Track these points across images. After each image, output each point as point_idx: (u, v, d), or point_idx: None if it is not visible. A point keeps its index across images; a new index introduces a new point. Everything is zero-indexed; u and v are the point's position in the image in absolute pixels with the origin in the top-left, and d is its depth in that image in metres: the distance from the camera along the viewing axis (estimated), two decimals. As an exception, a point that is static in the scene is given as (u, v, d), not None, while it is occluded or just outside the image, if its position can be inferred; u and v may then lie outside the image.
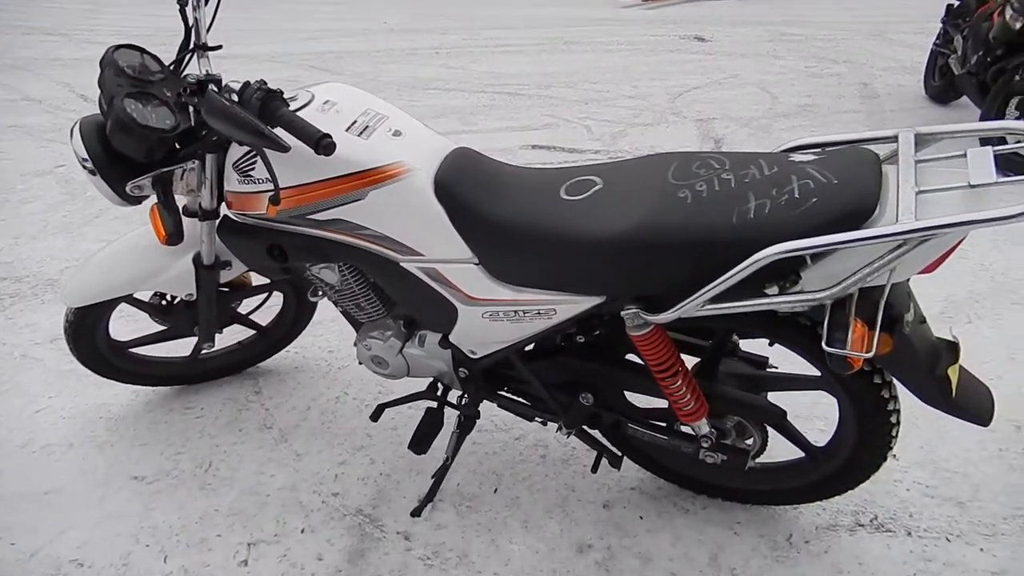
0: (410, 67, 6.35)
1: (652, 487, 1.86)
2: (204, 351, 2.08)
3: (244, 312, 2.17)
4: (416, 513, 1.78)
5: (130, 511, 1.83)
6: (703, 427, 1.52)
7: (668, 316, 1.32)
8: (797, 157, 1.33)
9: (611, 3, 9.87)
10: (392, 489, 1.88)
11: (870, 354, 1.17)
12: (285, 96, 1.50)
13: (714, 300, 1.27)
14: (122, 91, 1.46)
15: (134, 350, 2.12)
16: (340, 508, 1.82)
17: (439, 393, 1.81)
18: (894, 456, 1.91)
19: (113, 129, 1.46)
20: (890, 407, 1.44)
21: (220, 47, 1.63)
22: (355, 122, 1.48)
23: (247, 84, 1.38)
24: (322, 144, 1.28)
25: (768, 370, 1.64)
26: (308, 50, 6.97)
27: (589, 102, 5.21)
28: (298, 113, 1.46)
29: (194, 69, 1.60)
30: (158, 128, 1.47)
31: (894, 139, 1.31)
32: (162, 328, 2.05)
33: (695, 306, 1.27)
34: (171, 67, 1.62)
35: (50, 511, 1.84)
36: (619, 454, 1.72)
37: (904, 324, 1.26)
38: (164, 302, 2.00)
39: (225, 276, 1.90)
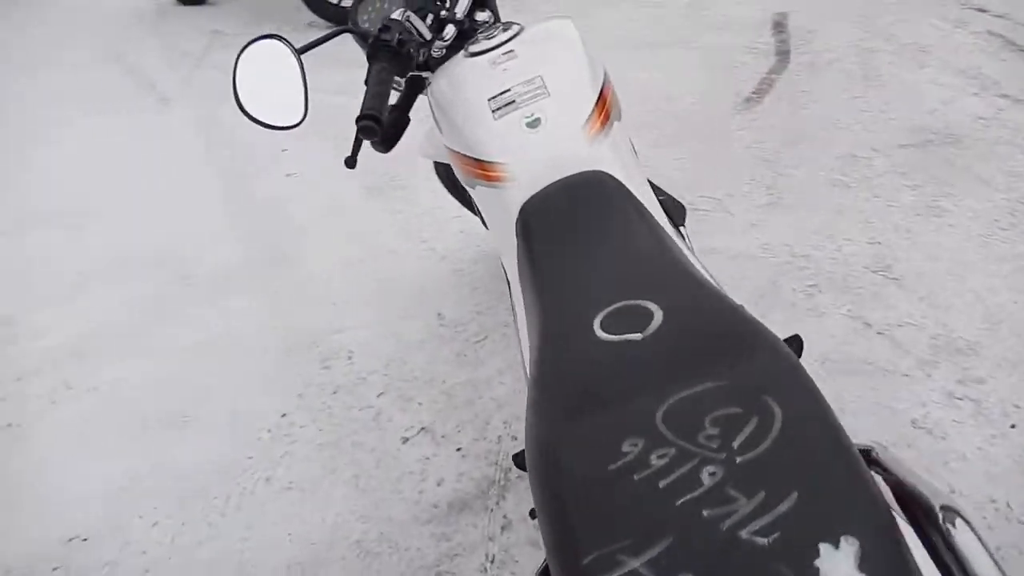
0: None
1: None
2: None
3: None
4: None
5: (392, 349, 2.08)
6: None
7: None
8: None
9: None
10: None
11: None
12: (494, 23, 1.36)
13: None
14: None
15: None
16: (502, 453, 1.75)
17: None
18: None
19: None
20: None
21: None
22: (507, 91, 1.19)
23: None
24: (358, 123, 1.09)
25: None
26: None
27: None
28: (480, 56, 1.28)
29: None
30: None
31: None
32: None
33: None
34: None
35: (360, 309, 2.24)
36: None
37: None
38: None
39: None
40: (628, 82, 3.22)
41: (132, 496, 1.79)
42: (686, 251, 1.15)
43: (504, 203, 1.14)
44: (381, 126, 1.14)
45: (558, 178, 1.11)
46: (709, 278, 1.11)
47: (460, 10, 1.35)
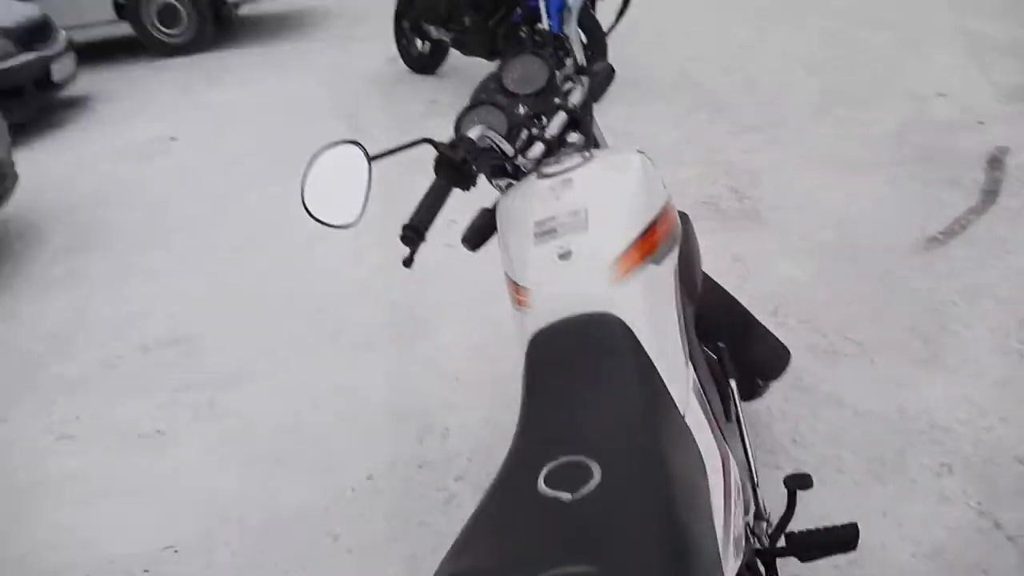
0: None
1: None
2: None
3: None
4: None
5: (484, 436, 2.12)
6: None
7: None
8: None
9: None
10: None
11: None
12: (580, 147, 1.36)
13: None
14: (478, 98, 1.45)
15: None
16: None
17: None
18: None
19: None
20: None
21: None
22: (551, 218, 1.20)
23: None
24: (401, 231, 1.18)
25: None
26: None
27: None
28: (545, 180, 1.28)
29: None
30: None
31: None
32: None
33: None
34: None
35: (472, 391, 2.30)
36: None
37: None
38: None
39: None
40: (807, 203, 3.07)
41: (227, 521, 1.98)
42: (701, 416, 1.08)
43: (522, 329, 1.14)
44: (422, 239, 1.20)
45: (570, 314, 1.10)
46: (715, 454, 1.03)
47: (551, 131, 1.37)
